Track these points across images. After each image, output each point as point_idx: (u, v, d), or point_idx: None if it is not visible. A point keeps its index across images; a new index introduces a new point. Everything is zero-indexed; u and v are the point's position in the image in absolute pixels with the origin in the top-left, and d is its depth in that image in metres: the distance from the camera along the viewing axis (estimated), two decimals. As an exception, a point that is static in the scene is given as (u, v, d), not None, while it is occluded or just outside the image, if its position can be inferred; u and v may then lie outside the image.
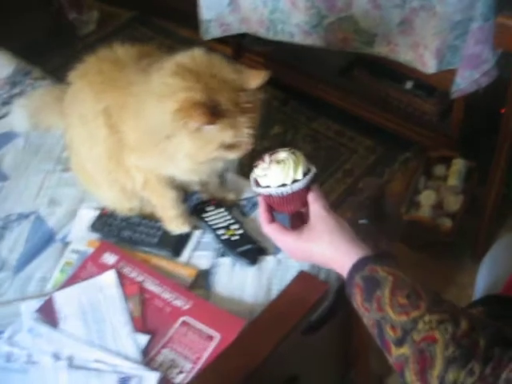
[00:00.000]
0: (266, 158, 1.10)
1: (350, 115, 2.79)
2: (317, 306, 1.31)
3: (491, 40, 1.85)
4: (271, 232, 1.13)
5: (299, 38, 2.44)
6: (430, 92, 2.55)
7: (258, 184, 1.12)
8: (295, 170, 1.08)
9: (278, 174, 1.08)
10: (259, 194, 1.13)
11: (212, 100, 1.16)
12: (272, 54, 2.99)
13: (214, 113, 1.16)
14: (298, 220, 1.15)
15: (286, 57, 2.94)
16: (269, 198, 1.12)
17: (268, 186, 1.09)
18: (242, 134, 1.20)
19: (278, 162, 1.09)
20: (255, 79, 1.20)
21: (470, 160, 2.41)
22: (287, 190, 1.08)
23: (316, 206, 1.09)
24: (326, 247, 1.06)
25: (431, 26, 2.06)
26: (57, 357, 1.29)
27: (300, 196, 1.10)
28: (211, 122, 1.16)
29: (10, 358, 1.32)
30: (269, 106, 3.04)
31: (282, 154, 1.10)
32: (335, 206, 2.49)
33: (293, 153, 1.10)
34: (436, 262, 2.31)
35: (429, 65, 2.16)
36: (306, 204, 1.11)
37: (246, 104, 1.18)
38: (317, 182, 1.12)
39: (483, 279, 1.53)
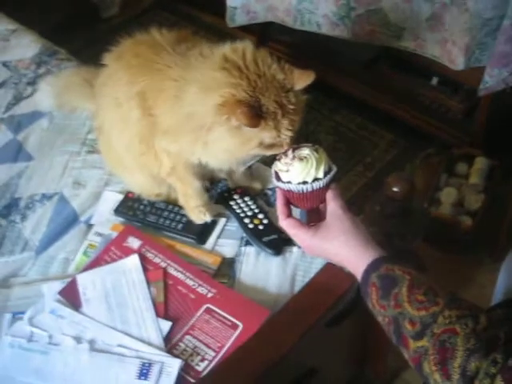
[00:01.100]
0: (289, 153, 1.11)
1: (373, 109, 2.78)
2: (341, 299, 1.30)
3: (522, 38, 1.84)
4: (288, 227, 1.14)
5: (326, 29, 2.43)
6: (455, 89, 2.53)
7: (278, 178, 1.12)
8: (317, 169, 1.08)
9: (300, 171, 1.09)
10: (279, 187, 1.14)
11: (257, 100, 1.15)
12: (296, 44, 2.97)
13: (256, 114, 1.15)
14: (314, 216, 1.16)
15: (310, 47, 2.92)
16: (288, 193, 1.13)
17: (289, 182, 1.10)
18: (283, 135, 1.19)
19: (301, 158, 1.09)
20: (302, 80, 1.18)
21: (492, 159, 2.39)
22: (308, 187, 1.09)
23: (333, 205, 1.10)
24: (341, 247, 1.08)
25: (461, 22, 2.04)
26: (78, 339, 1.30)
27: (319, 194, 1.11)
28: (253, 124, 1.15)
29: (31, 338, 1.32)
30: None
31: (305, 151, 1.10)
32: (356, 200, 2.48)
33: (316, 150, 1.11)
34: (455, 260, 2.30)
35: (457, 61, 2.14)
36: (323, 201, 1.13)
37: (290, 105, 1.17)
38: (336, 180, 1.13)
39: (504, 281, 1.52)
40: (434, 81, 2.59)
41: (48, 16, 3.25)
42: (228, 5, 2.64)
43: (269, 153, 1.25)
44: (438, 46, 2.20)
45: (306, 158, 1.09)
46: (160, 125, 1.32)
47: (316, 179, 1.08)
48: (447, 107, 2.57)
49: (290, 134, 1.18)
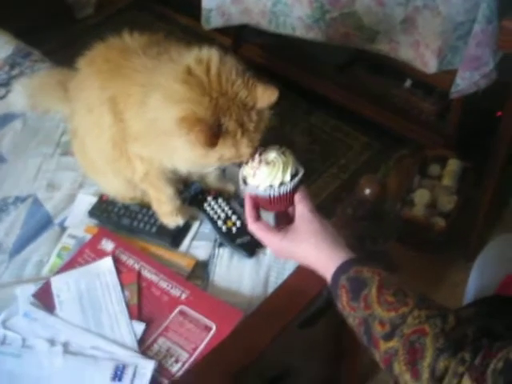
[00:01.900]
0: (256, 157, 1.12)
1: (347, 111, 2.80)
2: (314, 301, 1.31)
3: (493, 42, 1.86)
4: (257, 230, 1.15)
5: (301, 32, 2.44)
6: (428, 91, 2.56)
7: (246, 182, 1.14)
8: (284, 172, 1.10)
9: (267, 175, 1.10)
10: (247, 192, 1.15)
11: (217, 119, 1.12)
12: (272, 47, 2.98)
13: (214, 133, 1.12)
14: (283, 219, 1.17)
15: (286, 50, 2.93)
16: (256, 197, 1.14)
17: (256, 186, 1.11)
18: (242, 152, 1.17)
19: (268, 162, 1.10)
20: (265, 98, 1.15)
21: (465, 160, 2.42)
22: (275, 191, 1.10)
23: (301, 207, 1.12)
24: (310, 249, 1.09)
25: (434, 25, 2.06)
26: (52, 342, 1.29)
27: (287, 197, 1.12)
28: (210, 144, 1.12)
29: (5, 341, 1.31)
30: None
31: (272, 155, 1.11)
32: (330, 201, 2.50)
33: (283, 153, 1.12)
34: (429, 261, 2.33)
35: (429, 64, 2.16)
36: (292, 204, 1.14)
37: (251, 124, 1.14)
38: (304, 182, 1.14)
39: (475, 281, 1.55)
40: (408, 83, 2.62)
41: (22, 16, 3.22)
42: (203, 7, 2.64)
43: (230, 164, 1.24)
44: (411, 49, 2.22)
45: (272, 161, 1.10)
46: (129, 130, 1.32)
47: (283, 183, 1.09)
48: (420, 109, 2.60)
49: (249, 151, 1.16)
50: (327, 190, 2.58)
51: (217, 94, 1.12)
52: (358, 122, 2.83)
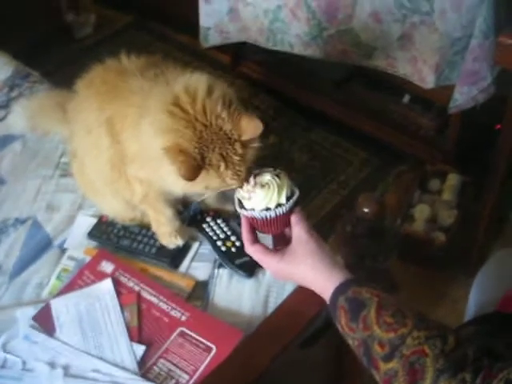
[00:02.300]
0: (251, 179, 1.12)
1: (346, 127, 2.80)
2: (314, 321, 1.31)
3: (490, 57, 1.87)
4: (254, 253, 1.15)
5: (298, 49, 2.45)
6: (426, 106, 2.56)
7: (241, 205, 1.14)
8: (279, 194, 1.10)
9: (262, 198, 1.10)
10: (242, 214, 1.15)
11: (200, 152, 1.12)
12: (270, 64, 2.99)
13: (196, 166, 1.12)
14: (281, 240, 1.17)
15: (284, 67, 2.95)
16: (252, 220, 1.14)
17: (252, 209, 1.11)
18: (229, 183, 1.16)
19: (263, 185, 1.11)
20: (249, 131, 1.13)
21: (465, 175, 2.42)
22: (271, 214, 1.10)
23: (298, 229, 1.12)
24: (308, 270, 1.09)
25: (431, 41, 2.07)
26: (53, 365, 1.29)
27: (283, 219, 1.12)
28: (191, 177, 1.12)
29: (5, 364, 1.31)
30: (264, 115, 3.05)
31: (267, 177, 1.12)
32: (329, 218, 2.50)
33: (277, 175, 1.12)
34: (429, 276, 2.32)
35: (427, 80, 2.17)
36: (289, 225, 1.14)
37: (236, 157, 1.14)
38: (300, 203, 1.14)
39: (475, 298, 1.54)
40: (406, 99, 2.62)
41: (21, 36, 3.23)
42: (201, 25, 2.66)
43: (219, 191, 1.24)
44: (409, 65, 2.23)
45: (267, 184, 1.10)
46: (126, 151, 1.32)
47: (279, 205, 1.09)
48: (419, 125, 2.60)
49: (235, 182, 1.15)
50: (327, 207, 2.58)
51: (201, 127, 1.12)
52: (357, 138, 2.83)
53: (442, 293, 2.29)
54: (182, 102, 1.14)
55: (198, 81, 1.17)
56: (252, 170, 1.16)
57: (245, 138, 1.14)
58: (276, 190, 1.09)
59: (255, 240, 1.16)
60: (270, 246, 1.17)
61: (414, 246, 2.27)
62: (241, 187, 1.13)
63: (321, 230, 2.17)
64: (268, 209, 1.09)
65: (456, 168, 2.44)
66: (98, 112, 1.34)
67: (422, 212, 2.34)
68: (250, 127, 1.13)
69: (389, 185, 2.59)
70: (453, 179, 2.41)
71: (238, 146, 1.13)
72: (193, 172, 1.12)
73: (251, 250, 1.15)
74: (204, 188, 1.20)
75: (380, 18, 2.14)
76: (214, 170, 1.14)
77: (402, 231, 2.26)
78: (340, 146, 2.86)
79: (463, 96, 2.05)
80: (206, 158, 1.13)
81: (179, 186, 1.23)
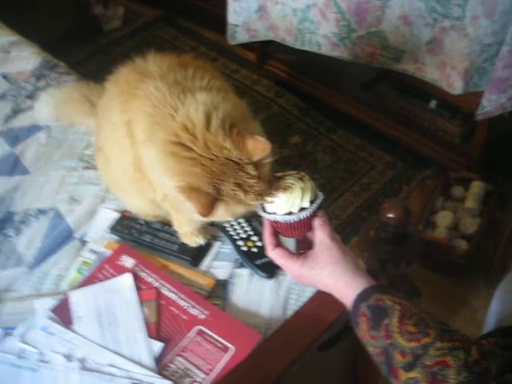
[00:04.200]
0: (274, 183, 1.10)
1: (371, 130, 2.79)
2: (333, 325, 1.30)
3: (521, 65, 1.85)
4: (276, 257, 1.14)
5: (326, 50, 2.44)
6: (453, 112, 2.53)
7: (264, 209, 1.13)
8: (302, 198, 1.09)
9: (285, 201, 1.09)
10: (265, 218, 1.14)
11: (212, 185, 1.10)
12: (296, 64, 2.98)
13: (213, 200, 1.10)
14: (303, 244, 1.17)
15: (310, 67, 2.93)
16: (275, 223, 1.13)
17: (274, 213, 1.11)
18: (253, 204, 1.13)
19: (285, 188, 1.09)
20: (258, 152, 1.10)
21: (489, 183, 2.40)
22: (294, 218, 1.09)
23: (321, 234, 1.11)
24: (330, 277, 1.08)
25: (460, 46, 2.05)
26: (69, 357, 1.29)
27: (306, 223, 1.11)
28: (207, 213, 1.10)
29: (22, 354, 1.31)
30: (289, 115, 3.04)
31: (290, 180, 1.10)
32: (351, 221, 2.49)
33: (301, 178, 1.11)
34: (449, 283, 2.30)
35: (455, 85, 2.15)
36: (311, 228, 1.13)
37: (251, 180, 1.10)
38: (323, 207, 1.12)
39: (496, 309, 1.52)
40: (433, 104, 2.59)
41: (51, 28, 3.26)
42: (229, 22, 2.66)
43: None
44: (437, 70, 2.21)
45: (290, 188, 1.09)
46: (141, 156, 1.30)
47: (302, 209, 1.08)
48: (445, 131, 2.57)
49: (258, 202, 1.13)
50: (349, 209, 2.57)
51: (208, 162, 1.09)
52: (382, 141, 2.81)
53: (461, 301, 2.26)
54: (183, 139, 1.12)
55: (197, 111, 1.13)
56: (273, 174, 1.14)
57: (256, 158, 1.10)
58: (299, 193, 1.08)
59: (277, 243, 1.15)
60: (293, 249, 1.16)
61: (436, 253, 2.24)
62: None
63: (342, 232, 2.17)
64: (291, 213, 1.08)
65: (480, 176, 2.41)
66: (120, 113, 1.33)
67: (444, 219, 2.32)
68: (257, 148, 1.09)
69: (412, 190, 2.57)
70: (477, 187, 2.39)
71: (250, 169, 1.10)
72: (208, 208, 1.10)
73: (273, 254, 1.14)
74: (230, 216, 1.18)
75: (410, 21, 2.12)
76: (232, 199, 1.11)
77: (424, 237, 2.23)
78: (364, 149, 2.85)
79: (491, 103, 2.03)
80: (222, 190, 1.10)
81: (203, 218, 1.18)
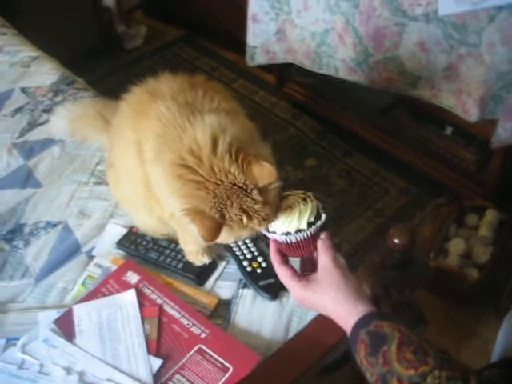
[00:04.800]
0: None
1: (386, 154, 2.78)
2: (333, 350, 1.29)
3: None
4: (280, 275, 1.15)
5: (343, 74, 2.45)
6: (469, 140, 2.52)
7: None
8: (300, 220, 1.08)
9: (283, 221, 1.10)
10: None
11: (217, 210, 1.10)
12: (314, 87, 2.99)
13: (217, 226, 1.10)
14: (308, 264, 1.16)
15: (328, 90, 2.94)
16: (275, 242, 1.14)
17: (274, 232, 1.11)
18: (258, 228, 1.14)
19: (286, 209, 1.10)
20: (263, 178, 1.10)
21: (503, 212, 2.37)
22: (291, 238, 1.09)
23: (324, 258, 1.10)
24: (331, 302, 1.08)
25: (477, 74, 2.05)
26: (69, 370, 1.30)
27: (306, 244, 1.11)
28: (211, 238, 1.10)
29: (22, 365, 1.32)
30: (305, 137, 3.04)
31: (291, 201, 1.10)
32: (362, 246, 2.47)
33: (305, 198, 1.11)
34: (460, 312, 2.28)
35: (471, 112, 2.14)
36: (313, 250, 1.13)
37: (256, 205, 1.10)
38: (328, 230, 1.12)
39: (503, 340, 1.51)
40: (449, 130, 2.58)
41: (73, 45, 3.30)
42: (248, 44, 2.67)
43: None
44: (453, 97, 2.21)
45: (290, 208, 1.09)
46: (149, 175, 1.31)
47: (299, 230, 1.08)
48: (460, 158, 2.56)
49: (263, 227, 1.13)
50: (361, 234, 2.56)
51: (213, 186, 1.10)
52: (397, 167, 2.80)
53: (472, 332, 2.24)
54: (189, 162, 1.12)
55: (204, 134, 1.13)
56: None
57: (262, 184, 1.10)
58: (297, 214, 1.08)
59: (283, 261, 1.14)
60: (297, 269, 1.16)
61: (446, 281, 2.22)
62: None
63: (353, 257, 2.15)
64: (288, 233, 1.08)
65: (495, 204, 2.39)
66: (131, 132, 1.34)
67: (456, 246, 2.30)
68: (263, 174, 1.09)
69: (426, 216, 2.55)
70: (491, 215, 2.36)
71: (255, 194, 1.10)
72: (212, 233, 1.10)
73: (278, 271, 1.14)
74: (236, 238, 1.19)
75: (427, 48, 2.12)
76: (237, 224, 1.11)
77: (435, 265, 2.22)
78: (379, 174, 2.84)
79: (506, 131, 2.03)
80: (227, 215, 1.10)
81: (207, 241, 1.19)
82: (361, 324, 1.02)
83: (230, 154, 1.10)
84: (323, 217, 1.10)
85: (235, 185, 1.10)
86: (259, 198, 1.10)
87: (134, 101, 1.38)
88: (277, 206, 1.12)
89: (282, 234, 1.09)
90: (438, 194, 2.65)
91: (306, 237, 1.08)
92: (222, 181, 1.10)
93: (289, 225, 1.08)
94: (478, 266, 2.26)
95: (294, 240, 1.09)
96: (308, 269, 1.14)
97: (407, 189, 2.76)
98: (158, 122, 1.23)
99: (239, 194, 1.10)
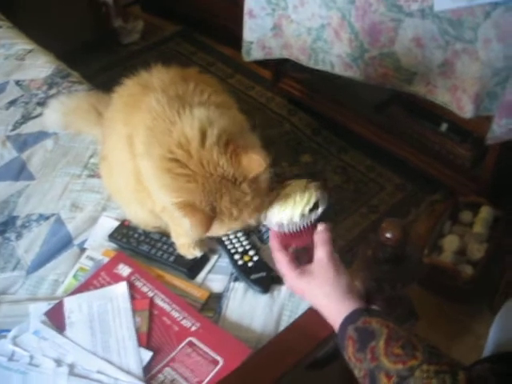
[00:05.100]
0: (276, 189, 1.11)
1: (382, 151, 2.78)
2: (324, 344, 1.29)
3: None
4: (277, 261, 1.15)
5: (339, 69, 2.44)
6: (464, 136, 2.52)
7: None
8: (293, 211, 1.08)
9: (277, 211, 1.10)
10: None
11: (207, 202, 1.11)
12: (310, 83, 2.98)
13: (208, 218, 1.11)
14: (303, 254, 1.16)
15: (324, 86, 2.94)
16: (271, 230, 1.14)
17: (270, 220, 1.12)
18: (249, 221, 1.15)
19: (283, 197, 1.10)
20: (253, 169, 1.10)
21: (498, 209, 2.37)
22: (284, 228, 1.10)
23: (320, 251, 1.11)
24: (322, 296, 1.09)
25: (472, 70, 2.05)
26: (59, 362, 1.29)
27: (300, 235, 1.11)
28: (203, 230, 1.11)
29: (12, 357, 1.31)
30: (301, 133, 3.04)
31: (289, 190, 1.11)
32: (357, 242, 2.47)
33: (306, 187, 1.10)
34: (453, 308, 2.28)
35: (466, 109, 2.14)
36: (309, 241, 1.13)
37: (246, 198, 1.11)
38: (327, 222, 1.13)
39: (495, 335, 1.51)
40: (444, 127, 2.58)
41: (70, 39, 3.30)
42: (244, 39, 2.67)
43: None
44: (448, 93, 2.20)
45: (285, 197, 1.09)
46: (140, 167, 1.31)
47: (292, 220, 1.08)
48: (455, 154, 2.55)
49: (254, 220, 1.14)
50: (356, 230, 2.55)
51: (202, 179, 1.10)
52: (392, 163, 2.80)
53: (465, 328, 2.24)
54: (178, 156, 1.13)
55: (192, 127, 1.14)
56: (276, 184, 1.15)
57: (251, 176, 1.11)
58: (290, 205, 1.08)
59: (281, 247, 1.15)
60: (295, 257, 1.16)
61: (440, 277, 2.22)
62: None
63: (347, 253, 2.15)
64: (282, 223, 1.08)
65: (489, 201, 2.39)
66: (122, 125, 1.34)
67: (451, 243, 2.29)
68: (253, 165, 1.10)
69: (420, 213, 2.55)
70: (485, 212, 2.36)
71: (245, 186, 1.11)
72: (203, 226, 1.11)
73: (275, 257, 1.15)
74: (227, 230, 1.19)
75: (422, 44, 2.12)
76: (227, 217, 1.12)
77: (429, 261, 2.22)
78: (374, 170, 2.84)
79: (501, 128, 2.02)
80: (217, 208, 1.11)
81: (198, 234, 1.21)
82: (349, 320, 1.03)
83: (218, 147, 1.10)
84: (320, 209, 1.10)
85: (224, 178, 1.10)
86: (249, 191, 1.10)
87: (126, 93, 1.38)
88: (272, 196, 1.13)
89: (276, 223, 1.08)
90: (433, 190, 2.65)
91: (299, 228, 1.08)
92: (211, 174, 1.10)
93: (282, 215, 1.07)
94: (473, 263, 2.26)
95: (286, 230, 1.08)
96: (304, 259, 1.14)
97: (403, 185, 2.76)
98: (148, 115, 1.23)
99: (228, 187, 1.10)
